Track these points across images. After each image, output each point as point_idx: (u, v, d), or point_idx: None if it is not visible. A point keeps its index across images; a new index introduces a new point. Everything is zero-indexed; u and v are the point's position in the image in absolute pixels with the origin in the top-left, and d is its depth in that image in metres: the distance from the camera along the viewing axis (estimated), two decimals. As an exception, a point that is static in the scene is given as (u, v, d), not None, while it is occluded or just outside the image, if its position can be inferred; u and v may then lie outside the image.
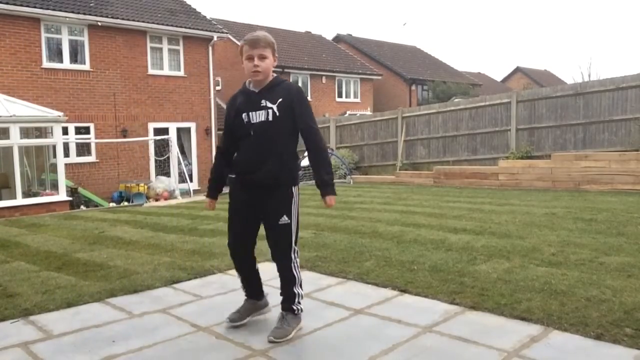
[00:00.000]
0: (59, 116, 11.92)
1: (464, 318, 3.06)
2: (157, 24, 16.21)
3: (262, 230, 2.97)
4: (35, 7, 13.84)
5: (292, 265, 2.86)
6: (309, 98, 24.45)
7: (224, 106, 4.57)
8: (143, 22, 15.89)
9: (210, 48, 17.82)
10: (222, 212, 3.38)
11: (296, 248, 2.88)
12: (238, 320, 3.01)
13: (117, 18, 15.38)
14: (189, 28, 17.01)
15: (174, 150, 16.07)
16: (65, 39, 14.79)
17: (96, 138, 15.31)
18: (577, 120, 11.35)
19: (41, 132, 12.33)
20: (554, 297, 3.28)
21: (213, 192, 3.09)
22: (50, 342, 2.91)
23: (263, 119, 2.77)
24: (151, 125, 16.60)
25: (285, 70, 22.87)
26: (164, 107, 16.83)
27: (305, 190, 12.06)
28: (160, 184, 15.29)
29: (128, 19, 15.58)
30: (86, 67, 15.09)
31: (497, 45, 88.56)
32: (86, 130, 15.26)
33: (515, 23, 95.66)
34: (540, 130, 11.96)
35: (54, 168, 12.12)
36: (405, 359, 2.56)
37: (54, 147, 11.96)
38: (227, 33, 18.72)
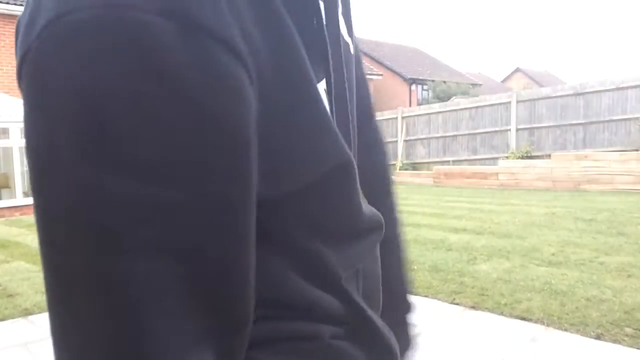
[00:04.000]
0: (59, 116, 11.93)
1: (464, 318, 3.07)
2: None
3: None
4: (35, 7, 13.86)
5: None
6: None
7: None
8: (143, 22, 15.91)
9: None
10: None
11: None
12: None
13: (117, 18, 15.39)
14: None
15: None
16: (65, 39, 14.82)
17: (96, 138, 15.31)
18: (577, 120, 11.34)
19: (41, 132, 12.35)
20: (554, 297, 3.29)
21: None
22: (51, 342, 2.91)
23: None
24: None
25: (285, 70, 22.85)
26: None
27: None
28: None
29: (128, 19, 15.60)
30: (86, 67, 15.12)
31: (497, 45, 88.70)
32: (86, 130, 15.29)
33: (515, 23, 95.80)
34: (540, 130, 11.94)
35: (54, 168, 12.14)
36: (405, 359, 2.56)
37: (54, 147, 11.97)
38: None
